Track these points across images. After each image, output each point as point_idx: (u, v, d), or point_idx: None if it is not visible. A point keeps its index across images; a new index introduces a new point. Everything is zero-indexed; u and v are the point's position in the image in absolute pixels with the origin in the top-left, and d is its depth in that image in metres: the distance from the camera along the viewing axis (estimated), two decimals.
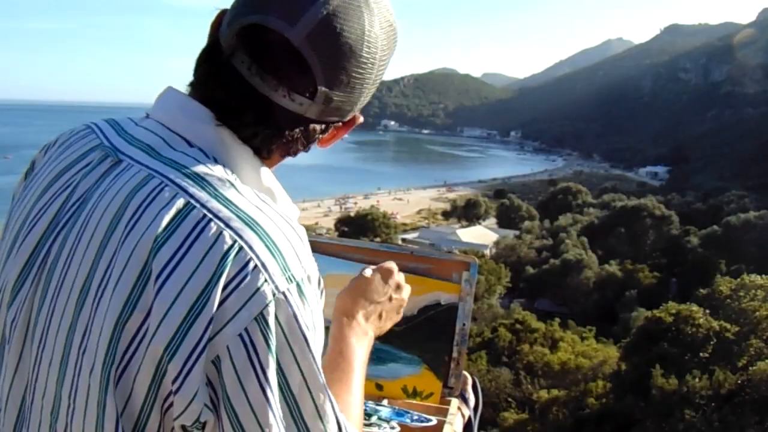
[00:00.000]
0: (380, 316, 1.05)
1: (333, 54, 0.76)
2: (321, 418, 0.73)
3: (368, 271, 1.05)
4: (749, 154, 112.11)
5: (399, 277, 1.07)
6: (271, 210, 0.75)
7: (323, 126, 0.82)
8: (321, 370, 0.73)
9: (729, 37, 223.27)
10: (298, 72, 0.75)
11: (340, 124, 0.85)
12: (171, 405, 0.69)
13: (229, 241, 0.69)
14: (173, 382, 0.68)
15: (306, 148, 0.83)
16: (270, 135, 0.79)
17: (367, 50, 0.78)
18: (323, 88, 0.76)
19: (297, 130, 0.79)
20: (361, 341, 0.99)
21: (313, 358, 0.72)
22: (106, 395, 0.70)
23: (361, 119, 0.88)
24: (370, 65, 0.79)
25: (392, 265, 1.08)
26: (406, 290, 1.08)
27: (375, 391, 1.42)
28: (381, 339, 1.45)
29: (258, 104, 0.77)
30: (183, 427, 0.70)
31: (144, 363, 0.68)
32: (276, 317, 0.69)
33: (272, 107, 0.77)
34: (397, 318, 1.09)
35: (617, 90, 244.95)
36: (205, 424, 0.70)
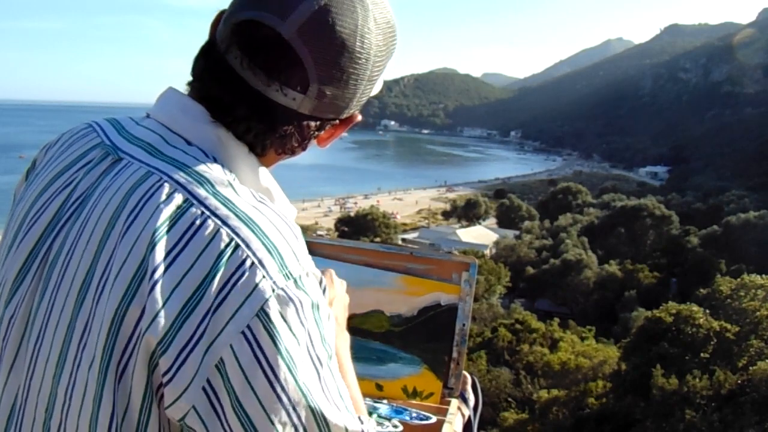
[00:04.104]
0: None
1: (325, 48, 0.75)
2: (340, 410, 0.73)
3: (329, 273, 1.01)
4: (749, 154, 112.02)
5: (338, 279, 1.03)
6: (268, 209, 0.75)
7: (318, 123, 0.81)
8: (335, 362, 0.74)
9: (729, 37, 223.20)
10: (290, 66, 0.75)
11: (337, 121, 0.84)
12: (162, 396, 0.69)
13: (226, 239, 0.69)
14: (164, 374, 0.68)
15: (302, 145, 0.82)
16: (263, 130, 0.79)
17: (360, 45, 0.77)
18: (316, 83, 0.76)
19: (290, 126, 0.79)
20: (342, 340, 0.95)
21: (325, 350, 0.72)
22: (104, 390, 0.69)
23: (360, 117, 0.87)
24: (364, 61, 0.78)
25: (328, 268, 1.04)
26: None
27: (375, 392, 1.41)
28: (382, 339, 1.46)
29: (251, 99, 0.77)
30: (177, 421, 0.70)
31: (139, 355, 0.68)
32: (280, 313, 0.68)
33: (265, 102, 0.77)
34: (346, 315, 1.04)
35: (617, 90, 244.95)
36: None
